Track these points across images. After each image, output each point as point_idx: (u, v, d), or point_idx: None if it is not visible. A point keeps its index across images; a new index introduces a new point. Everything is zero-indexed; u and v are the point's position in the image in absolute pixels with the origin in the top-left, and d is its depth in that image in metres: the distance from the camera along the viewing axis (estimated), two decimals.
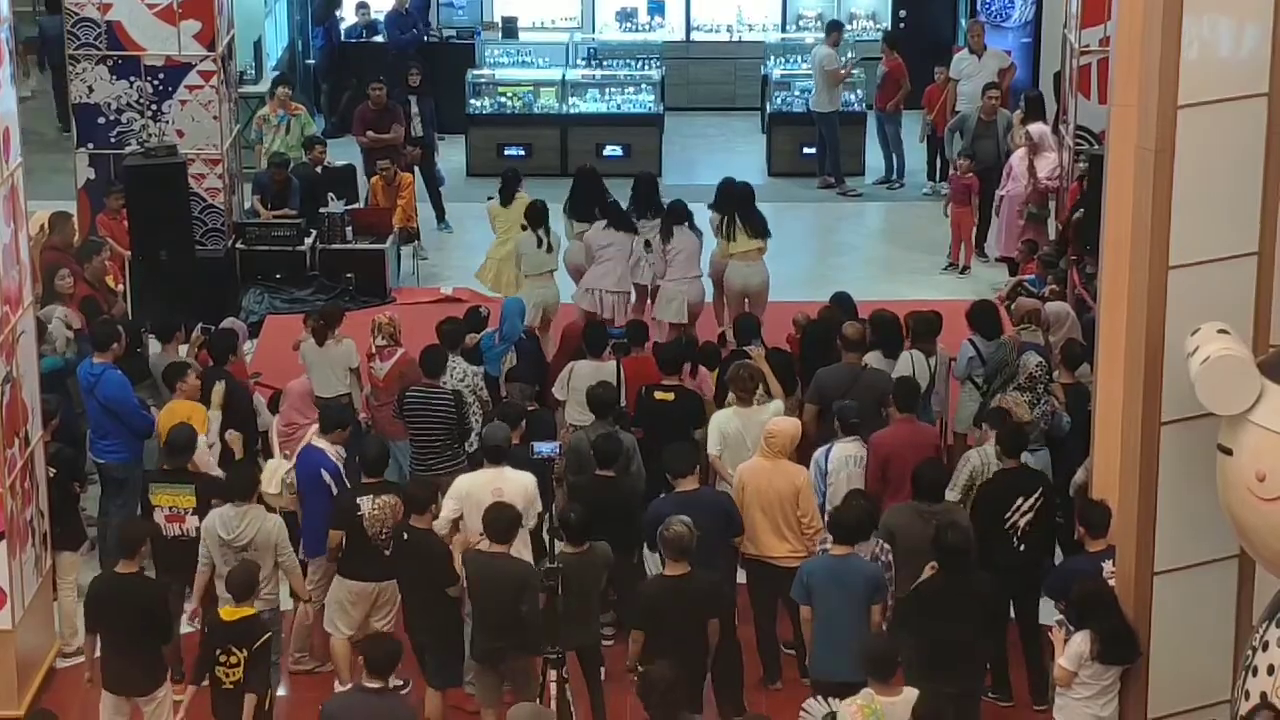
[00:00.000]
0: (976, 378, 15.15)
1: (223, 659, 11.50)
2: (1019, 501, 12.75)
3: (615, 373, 15.00)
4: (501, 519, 12.02)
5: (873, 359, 15.02)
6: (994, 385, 14.97)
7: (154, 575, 12.93)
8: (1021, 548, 12.75)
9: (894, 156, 23.73)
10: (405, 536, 12.40)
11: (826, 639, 11.75)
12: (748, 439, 13.52)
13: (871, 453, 13.56)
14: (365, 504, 12.76)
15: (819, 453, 13.62)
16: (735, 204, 17.88)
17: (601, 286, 17.65)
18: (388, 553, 12.67)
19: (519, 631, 11.88)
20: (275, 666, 12.47)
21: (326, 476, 13.23)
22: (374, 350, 15.43)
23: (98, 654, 12.00)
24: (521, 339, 16.05)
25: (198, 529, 12.89)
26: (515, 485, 12.74)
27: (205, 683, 11.75)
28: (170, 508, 13.08)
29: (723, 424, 13.80)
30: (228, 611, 11.64)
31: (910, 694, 10.77)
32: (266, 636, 11.65)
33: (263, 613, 11.96)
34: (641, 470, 13.79)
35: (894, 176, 23.77)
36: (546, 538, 12.29)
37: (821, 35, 24.58)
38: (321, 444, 13.44)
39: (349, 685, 11.84)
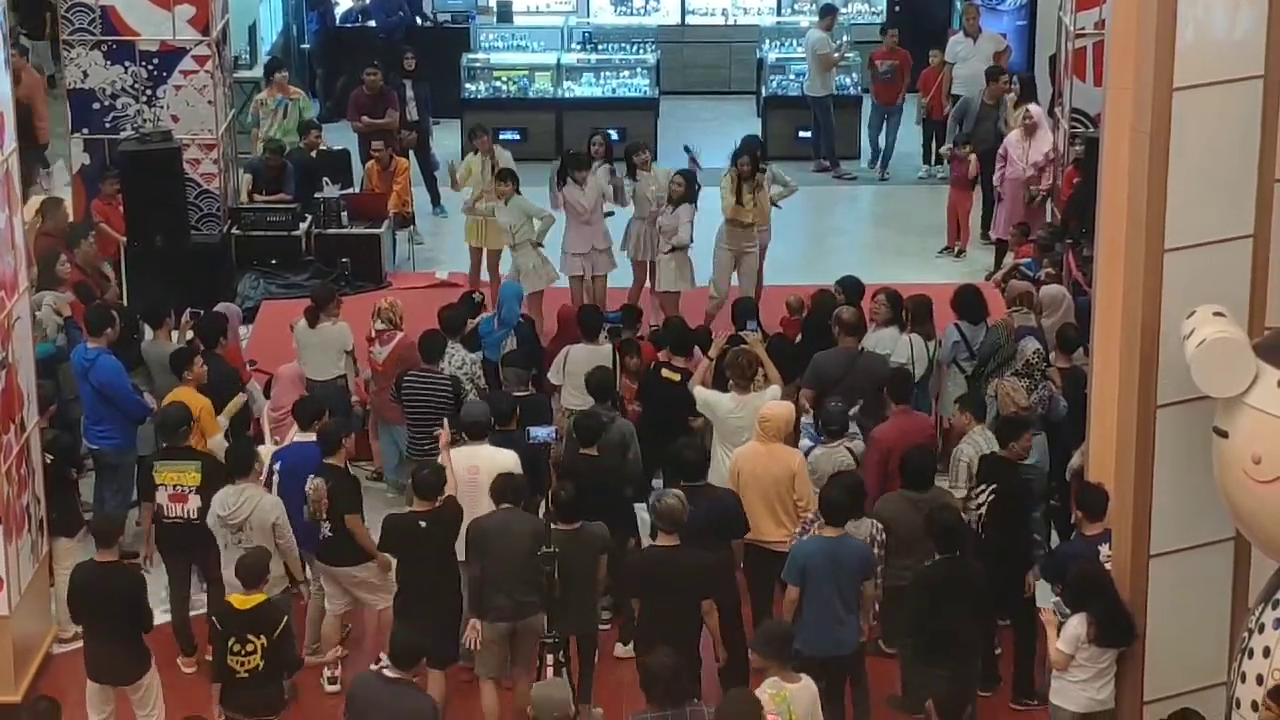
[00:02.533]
0: (962, 362, 15.15)
1: (236, 648, 11.38)
2: (982, 487, 12.76)
3: (611, 356, 15.01)
4: (508, 487, 12.07)
5: (889, 335, 15.04)
6: (989, 369, 14.98)
7: (149, 560, 13.08)
8: (982, 534, 12.71)
9: (889, 147, 23.59)
10: (423, 525, 12.27)
11: (821, 618, 11.76)
12: (740, 424, 13.52)
13: (872, 447, 13.56)
14: (308, 482, 12.75)
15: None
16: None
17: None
18: (321, 537, 12.69)
19: (539, 588, 11.87)
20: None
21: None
22: (373, 334, 15.45)
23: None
24: (519, 323, 16.05)
25: (200, 510, 12.85)
26: (491, 463, 12.70)
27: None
28: (175, 486, 13.04)
29: (713, 397, 13.79)
30: (239, 600, 11.54)
31: (808, 682, 10.79)
32: (286, 620, 11.56)
33: (272, 597, 11.89)
34: (639, 457, 13.79)
35: (882, 166, 23.63)
36: (544, 522, 12.28)
37: (816, 19, 24.57)
38: (308, 438, 13.33)
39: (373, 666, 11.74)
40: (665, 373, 14.63)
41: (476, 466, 12.72)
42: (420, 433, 14.33)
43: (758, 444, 13.00)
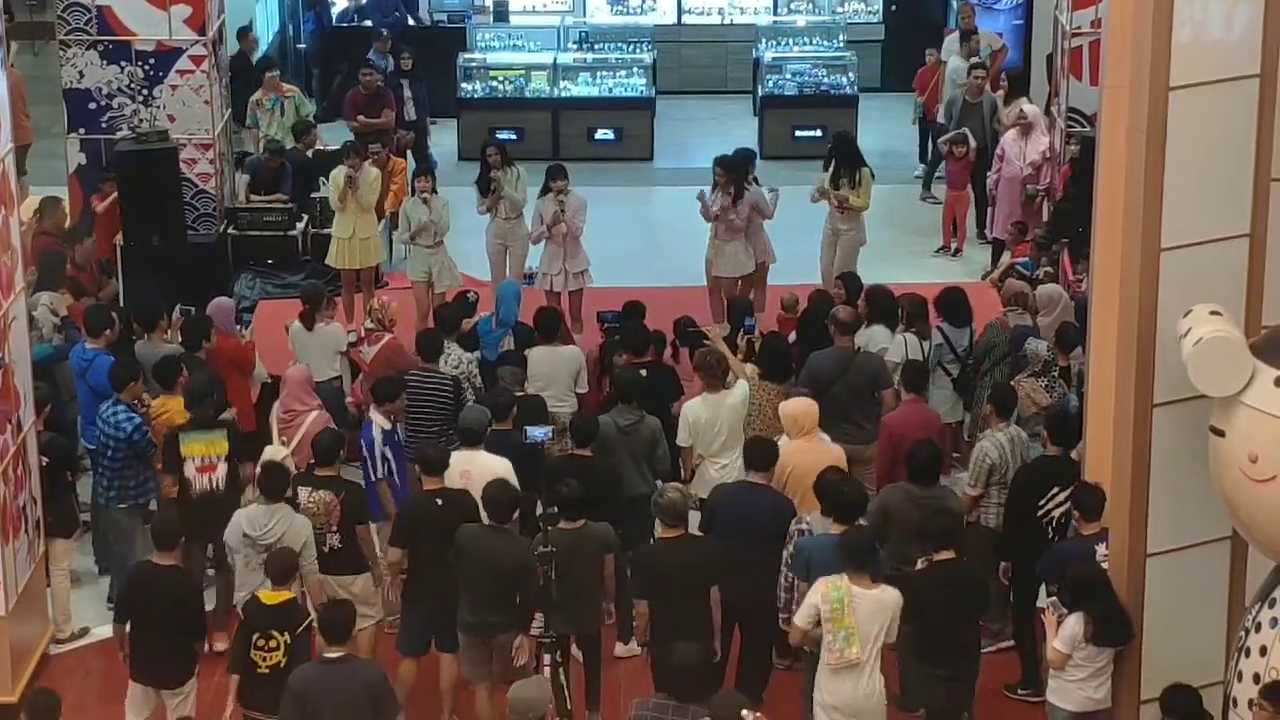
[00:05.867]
0: (947, 364, 15.16)
1: (260, 643, 11.40)
2: (1054, 491, 12.68)
3: (576, 359, 14.99)
4: (501, 498, 12.02)
5: (880, 332, 15.04)
6: (985, 367, 15.00)
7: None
8: (1055, 539, 12.63)
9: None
10: (440, 502, 12.35)
11: None
12: (717, 425, 13.55)
13: (883, 434, 13.61)
14: (303, 494, 12.70)
15: None
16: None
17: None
18: (324, 549, 12.57)
19: (510, 608, 11.90)
20: None
21: (384, 450, 13.44)
22: (363, 334, 15.44)
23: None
24: (517, 324, 16.04)
25: (226, 479, 13.05)
26: (484, 469, 12.69)
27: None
28: (203, 457, 13.19)
29: (691, 414, 13.77)
30: (268, 595, 11.53)
31: (889, 595, 11.04)
32: (309, 621, 11.53)
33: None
34: (667, 455, 13.76)
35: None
36: (540, 522, 12.28)
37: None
38: (375, 417, 13.59)
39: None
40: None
41: (468, 471, 12.70)
42: (418, 431, 14.26)
43: (800, 441, 13.00)
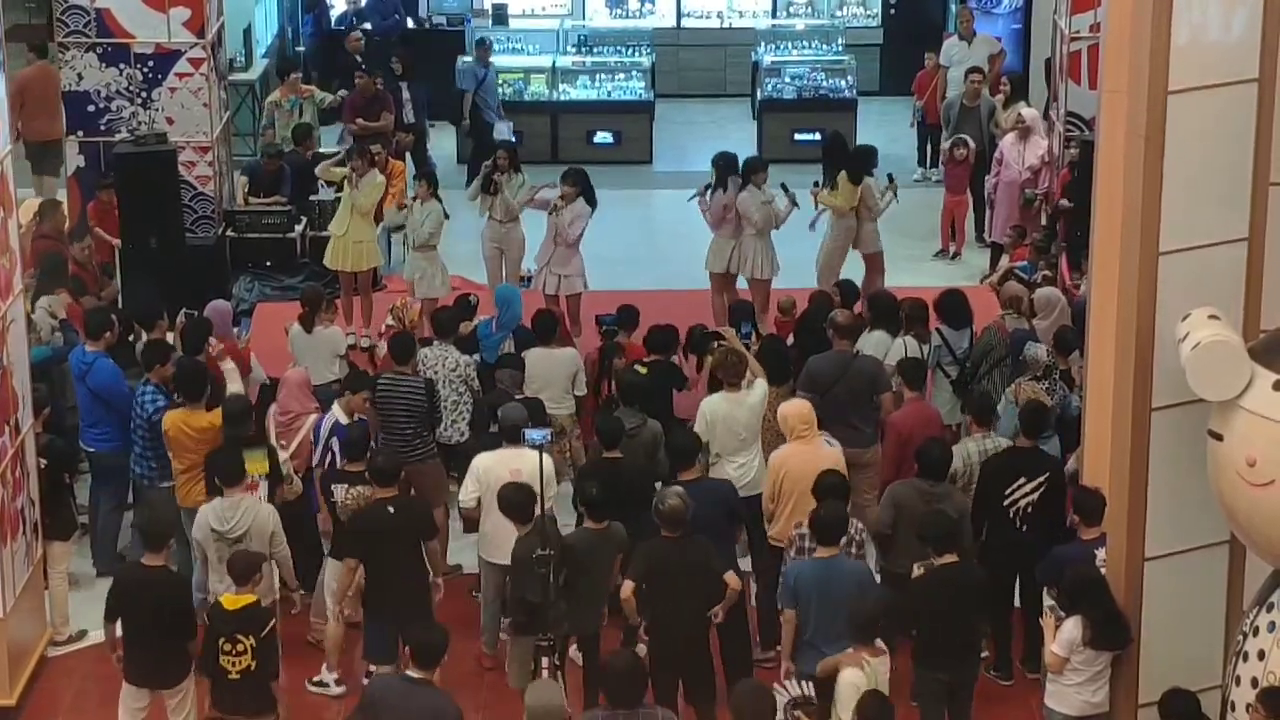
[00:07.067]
0: (946, 366, 15.18)
1: (227, 648, 11.40)
2: (1020, 481, 12.77)
3: (572, 361, 14.99)
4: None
5: (879, 339, 15.05)
6: (982, 370, 15.02)
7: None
8: (1023, 528, 12.77)
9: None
10: (391, 510, 12.36)
11: (818, 641, 11.66)
12: (736, 424, 13.55)
13: (889, 434, 13.66)
14: (339, 491, 12.75)
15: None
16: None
17: None
18: None
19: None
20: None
21: (330, 441, 13.43)
22: (383, 330, 15.45)
23: (119, 635, 11.93)
24: (518, 327, 16.02)
25: (266, 498, 13.00)
26: (533, 464, 12.68)
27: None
28: (252, 476, 13.11)
29: (709, 409, 13.77)
30: (229, 599, 11.53)
31: (885, 657, 11.04)
32: (273, 622, 11.58)
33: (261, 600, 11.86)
34: (665, 460, 13.76)
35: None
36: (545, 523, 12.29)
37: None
38: (335, 407, 13.60)
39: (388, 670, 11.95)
40: (637, 367, 14.68)
41: (519, 469, 12.67)
42: (393, 436, 14.13)
43: (799, 444, 13.00)
